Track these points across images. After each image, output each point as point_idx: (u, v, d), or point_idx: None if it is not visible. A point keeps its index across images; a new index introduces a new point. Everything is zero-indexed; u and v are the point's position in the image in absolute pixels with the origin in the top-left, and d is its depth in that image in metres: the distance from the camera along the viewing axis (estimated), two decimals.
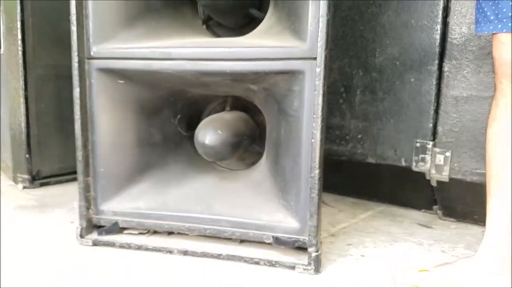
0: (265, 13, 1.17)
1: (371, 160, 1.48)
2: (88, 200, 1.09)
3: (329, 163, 1.52)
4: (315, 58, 0.89)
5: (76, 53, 1.02)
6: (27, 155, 1.73)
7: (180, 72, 1.02)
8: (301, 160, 0.95)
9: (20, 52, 1.66)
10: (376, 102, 1.43)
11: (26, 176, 1.74)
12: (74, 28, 1.01)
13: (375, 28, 1.39)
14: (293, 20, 0.94)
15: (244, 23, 1.27)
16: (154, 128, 1.18)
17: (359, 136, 1.50)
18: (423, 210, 1.53)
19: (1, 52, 1.84)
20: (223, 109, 1.35)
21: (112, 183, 1.10)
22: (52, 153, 1.81)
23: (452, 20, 1.21)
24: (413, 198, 1.53)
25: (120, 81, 1.06)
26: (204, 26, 1.30)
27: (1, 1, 1.75)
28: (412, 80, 1.32)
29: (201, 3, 1.13)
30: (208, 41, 1.06)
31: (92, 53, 1.03)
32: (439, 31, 1.25)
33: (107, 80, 1.06)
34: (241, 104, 1.33)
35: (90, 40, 1.03)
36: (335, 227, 1.33)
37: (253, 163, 1.31)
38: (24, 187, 1.73)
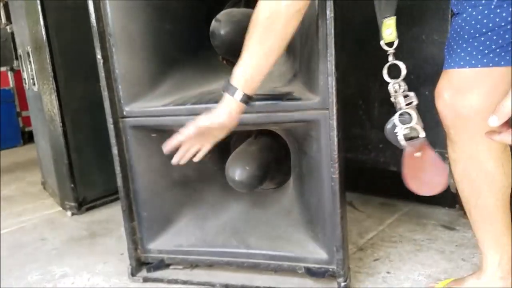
0: None
1: (393, 168, 1.54)
2: (135, 242, 1.22)
3: (355, 169, 1.60)
4: (327, 109, 0.96)
5: (110, 115, 1.13)
6: (72, 185, 1.88)
7: None
8: (324, 199, 1.03)
9: (54, 90, 1.79)
10: (394, 113, 1.47)
11: (73, 204, 1.90)
12: (105, 92, 1.11)
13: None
14: (304, 73, 1.01)
15: None
16: (188, 168, 1.27)
17: (380, 145, 1.55)
18: (446, 208, 1.60)
19: (35, 90, 1.98)
20: (249, 135, 1.43)
21: (155, 224, 1.22)
22: (95, 179, 1.96)
23: None
24: (436, 197, 1.58)
25: (153, 135, 1.16)
26: (224, 62, 1.38)
27: (30, 43, 1.87)
28: (427, 93, 1.36)
29: (217, 50, 1.20)
30: None
31: (125, 113, 1.13)
32: None
33: (141, 135, 1.16)
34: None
35: (122, 101, 1.13)
36: (363, 238, 1.42)
37: (281, 182, 1.40)
38: (72, 214, 1.90)
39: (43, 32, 1.71)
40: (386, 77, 0.90)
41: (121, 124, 1.15)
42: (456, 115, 0.85)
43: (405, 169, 0.92)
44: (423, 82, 1.36)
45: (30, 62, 1.94)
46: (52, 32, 1.73)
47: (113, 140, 1.14)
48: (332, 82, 0.93)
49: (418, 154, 0.90)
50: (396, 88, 0.91)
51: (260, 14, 0.81)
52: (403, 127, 0.89)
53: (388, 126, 0.91)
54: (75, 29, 1.76)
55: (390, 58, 0.90)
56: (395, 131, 0.90)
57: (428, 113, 1.39)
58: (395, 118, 0.90)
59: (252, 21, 0.83)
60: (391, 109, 1.50)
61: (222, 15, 1.16)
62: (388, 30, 0.84)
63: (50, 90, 1.80)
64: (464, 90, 0.83)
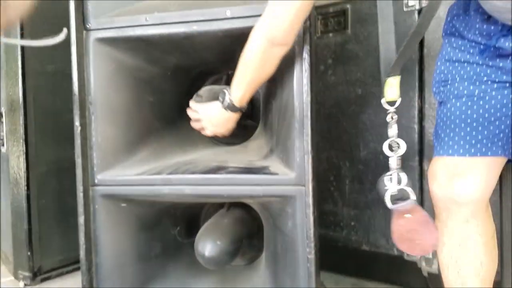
0: (257, 121, 1.27)
1: (365, 247, 1.54)
2: None
3: (327, 247, 1.59)
4: (303, 185, 0.98)
5: (81, 183, 1.10)
6: (29, 253, 1.76)
7: (180, 196, 1.09)
8: (299, 280, 1.00)
9: (23, 153, 1.74)
10: (365, 192, 1.51)
11: (27, 274, 1.76)
12: (79, 159, 1.09)
13: (357, 125, 1.49)
14: (281, 149, 1.04)
15: (238, 130, 1.37)
16: (154, 241, 1.23)
17: (352, 223, 1.56)
18: None
19: (3, 151, 1.92)
20: (221, 206, 1.41)
21: None
22: (53, 247, 1.84)
23: (427, 124, 1.31)
24: (409, 280, 1.57)
25: (123, 205, 1.13)
26: None
27: (6, 104, 1.85)
28: None
29: None
30: (207, 163, 1.14)
31: (96, 181, 1.11)
32: (416, 131, 1.35)
33: (110, 205, 1.12)
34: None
35: (95, 168, 1.11)
36: None
37: (253, 258, 1.36)
38: (25, 285, 1.75)
39: (20, 95, 1.70)
40: (389, 132, 0.91)
41: (91, 192, 1.11)
42: (451, 199, 0.87)
43: (395, 230, 0.90)
44: None
45: (1, 122, 1.90)
46: (29, 96, 1.72)
47: (80, 209, 1.10)
48: (308, 159, 0.95)
49: (408, 215, 0.88)
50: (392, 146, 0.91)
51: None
52: (392, 188, 0.89)
53: (379, 184, 0.91)
54: (52, 94, 1.77)
55: (389, 117, 0.91)
56: (385, 188, 0.90)
57: None
58: (385, 177, 0.90)
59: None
60: (362, 187, 1.54)
61: (204, 91, 1.20)
62: (391, 89, 0.85)
63: (19, 152, 1.75)
64: (460, 175, 0.86)
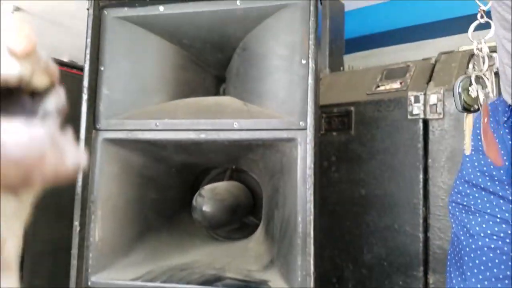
0: (259, 218, 1.26)
1: None
2: None
3: None
4: None
5: (74, 285, 1.06)
6: None
7: None
8: None
9: None
10: None
11: None
12: (74, 261, 1.06)
13: (361, 226, 1.47)
14: (282, 262, 1.01)
15: (240, 227, 1.35)
16: None
17: None
18: None
19: None
20: None
21: None
22: None
23: (432, 235, 1.29)
24: None
25: None
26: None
27: None
28: (400, 283, 1.36)
29: (197, 223, 1.21)
30: (203, 270, 1.10)
31: (89, 283, 1.07)
32: (421, 239, 1.32)
33: None
34: None
35: (89, 270, 1.07)
36: None
37: None
38: None
39: None
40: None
41: None
42: None
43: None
44: (396, 270, 1.37)
45: None
46: None
47: None
48: (310, 281, 0.92)
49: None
50: (479, 47, 0.76)
51: None
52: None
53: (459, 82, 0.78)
54: None
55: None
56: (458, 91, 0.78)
57: None
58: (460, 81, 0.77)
59: None
60: None
61: (206, 191, 1.20)
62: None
63: None
64: None
